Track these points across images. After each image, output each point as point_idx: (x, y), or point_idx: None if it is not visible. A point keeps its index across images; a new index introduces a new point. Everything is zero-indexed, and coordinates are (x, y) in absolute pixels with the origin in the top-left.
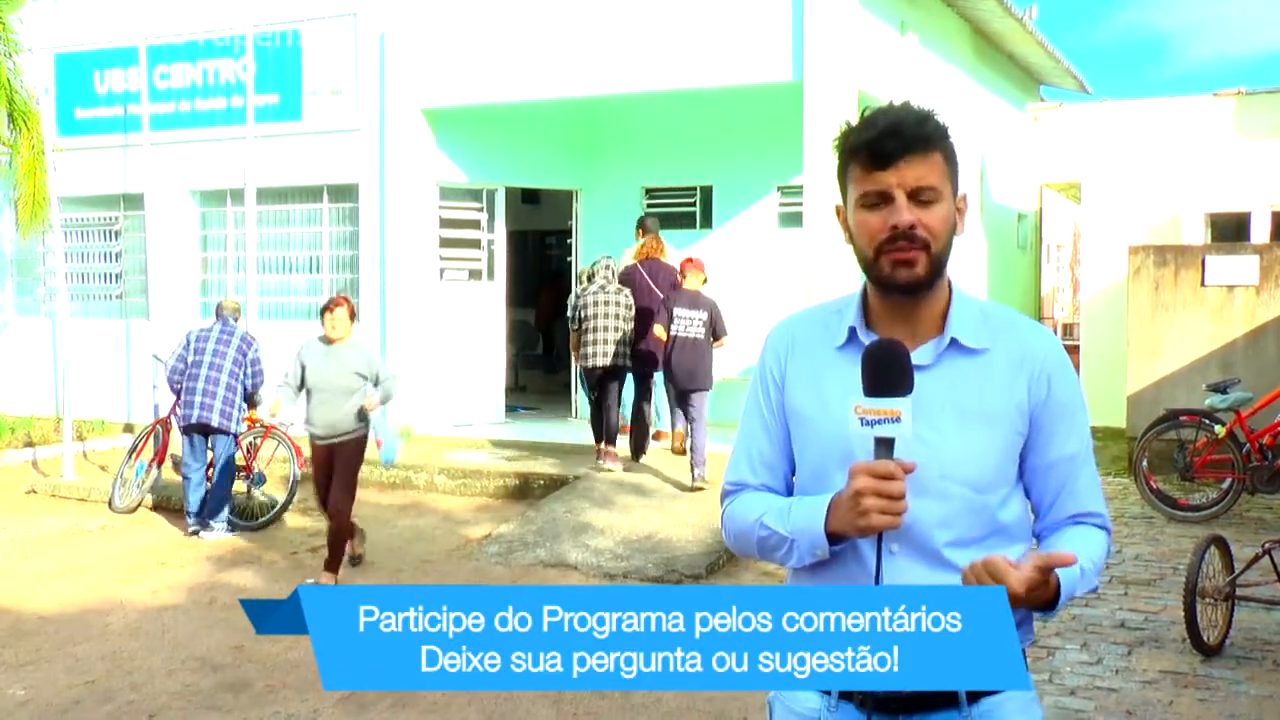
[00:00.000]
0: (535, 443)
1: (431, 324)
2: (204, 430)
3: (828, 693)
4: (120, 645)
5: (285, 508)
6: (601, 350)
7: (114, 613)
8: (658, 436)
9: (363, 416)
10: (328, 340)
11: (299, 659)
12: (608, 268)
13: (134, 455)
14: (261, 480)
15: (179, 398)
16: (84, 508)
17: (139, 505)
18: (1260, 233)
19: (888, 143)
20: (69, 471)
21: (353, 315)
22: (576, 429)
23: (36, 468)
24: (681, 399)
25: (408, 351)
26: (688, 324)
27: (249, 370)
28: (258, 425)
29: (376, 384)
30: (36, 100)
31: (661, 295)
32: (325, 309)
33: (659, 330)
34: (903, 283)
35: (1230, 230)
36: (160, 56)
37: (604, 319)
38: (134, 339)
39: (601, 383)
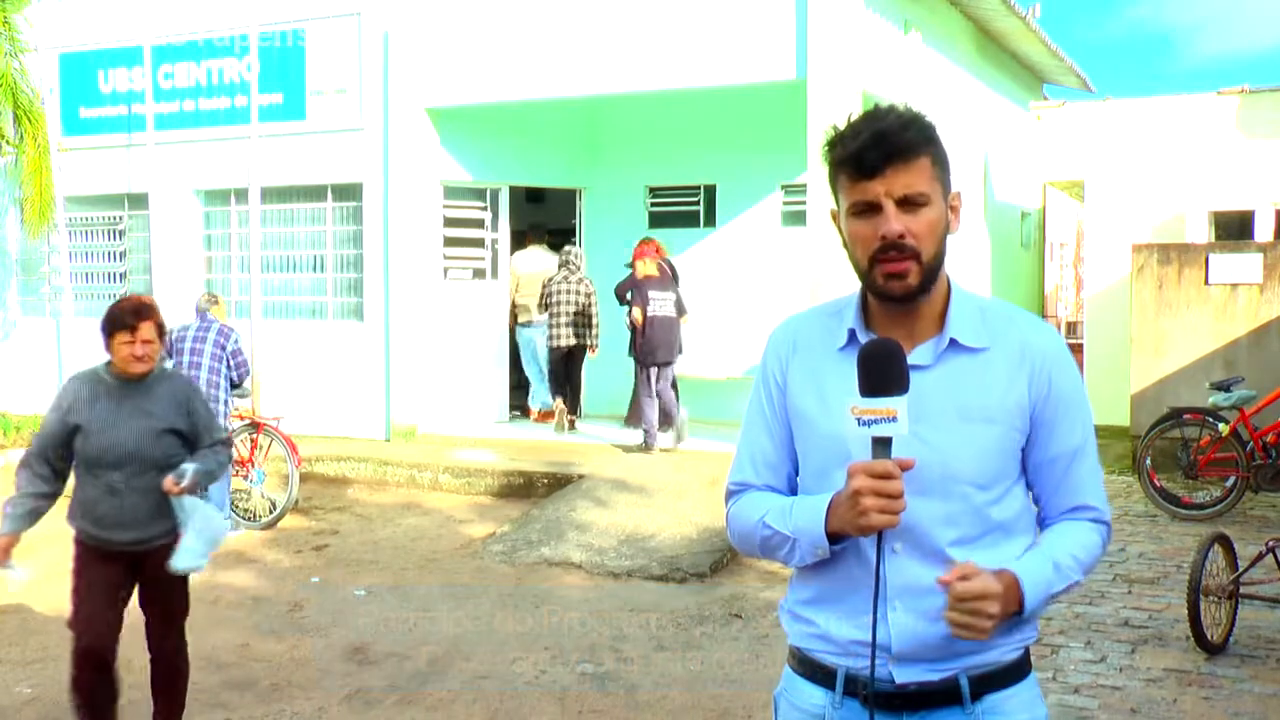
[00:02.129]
0: (539, 441)
1: (435, 323)
2: None
3: (832, 689)
4: (125, 644)
5: (289, 507)
6: (565, 331)
7: None
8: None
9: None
10: (121, 376)
11: (304, 657)
12: (576, 257)
13: None
14: (261, 478)
15: None
16: None
17: None
18: (1264, 231)
19: (871, 153)
20: None
21: (162, 332)
22: (579, 428)
23: None
24: (657, 371)
25: (412, 351)
26: (661, 304)
27: (230, 363)
28: (246, 421)
29: (195, 449)
30: (41, 100)
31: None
32: (117, 323)
33: (636, 314)
34: (897, 294)
35: (1234, 228)
36: (164, 56)
37: (567, 305)
38: None
39: (564, 358)
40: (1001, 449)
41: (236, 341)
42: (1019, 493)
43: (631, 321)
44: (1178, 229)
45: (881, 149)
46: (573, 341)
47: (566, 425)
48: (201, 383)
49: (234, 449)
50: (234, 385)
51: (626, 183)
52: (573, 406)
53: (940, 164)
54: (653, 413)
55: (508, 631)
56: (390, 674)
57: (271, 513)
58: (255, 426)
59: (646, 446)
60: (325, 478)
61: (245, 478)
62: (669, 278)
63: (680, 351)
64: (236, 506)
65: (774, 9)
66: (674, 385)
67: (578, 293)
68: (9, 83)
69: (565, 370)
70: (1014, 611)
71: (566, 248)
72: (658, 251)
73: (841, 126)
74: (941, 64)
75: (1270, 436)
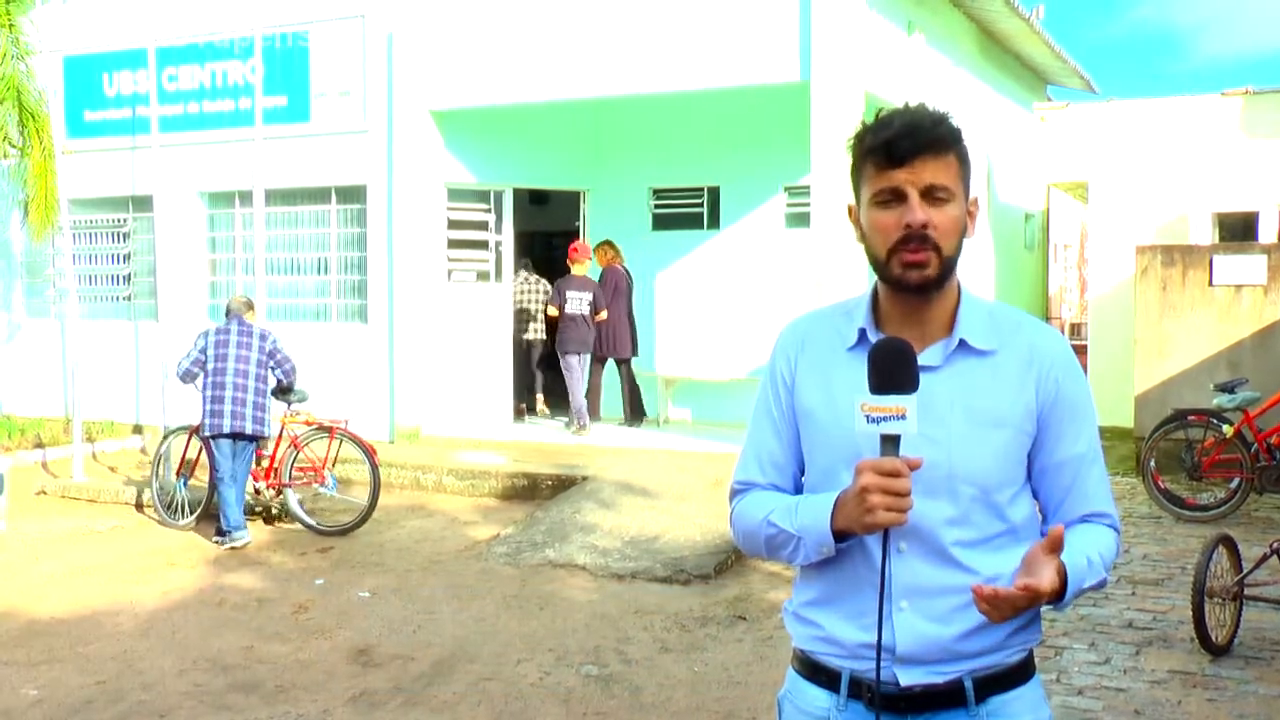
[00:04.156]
0: (543, 443)
1: (439, 325)
2: (238, 438)
3: (836, 691)
4: (131, 645)
5: (370, 511)
6: (532, 328)
7: (124, 613)
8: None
9: None
10: None
11: (309, 659)
12: (527, 265)
13: (177, 471)
14: (335, 484)
15: (205, 405)
16: (94, 509)
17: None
18: (1268, 232)
19: (903, 142)
20: (79, 473)
21: None
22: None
23: (46, 469)
24: (576, 360)
25: (416, 353)
26: (578, 302)
27: (275, 362)
28: (313, 426)
29: None
30: (46, 103)
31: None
32: None
33: (552, 310)
34: (914, 284)
35: (1238, 230)
36: (169, 59)
37: (534, 306)
38: (143, 341)
39: (529, 352)
40: (1009, 452)
41: (275, 342)
42: (1026, 496)
43: (547, 316)
44: (1181, 230)
45: (914, 139)
46: (535, 337)
47: (530, 412)
48: (249, 390)
49: (303, 454)
50: (284, 389)
51: (630, 184)
52: (532, 397)
53: (965, 165)
54: (580, 398)
55: (512, 633)
56: (395, 676)
57: (354, 517)
58: (328, 431)
59: (582, 427)
60: None
61: (320, 484)
62: (589, 280)
63: (594, 348)
64: (313, 511)
65: (777, 11)
66: (631, 381)
67: (537, 293)
68: (14, 85)
69: (529, 361)
70: (1053, 598)
71: (521, 260)
72: (615, 254)
73: (871, 120)
74: (945, 65)
75: (1275, 438)
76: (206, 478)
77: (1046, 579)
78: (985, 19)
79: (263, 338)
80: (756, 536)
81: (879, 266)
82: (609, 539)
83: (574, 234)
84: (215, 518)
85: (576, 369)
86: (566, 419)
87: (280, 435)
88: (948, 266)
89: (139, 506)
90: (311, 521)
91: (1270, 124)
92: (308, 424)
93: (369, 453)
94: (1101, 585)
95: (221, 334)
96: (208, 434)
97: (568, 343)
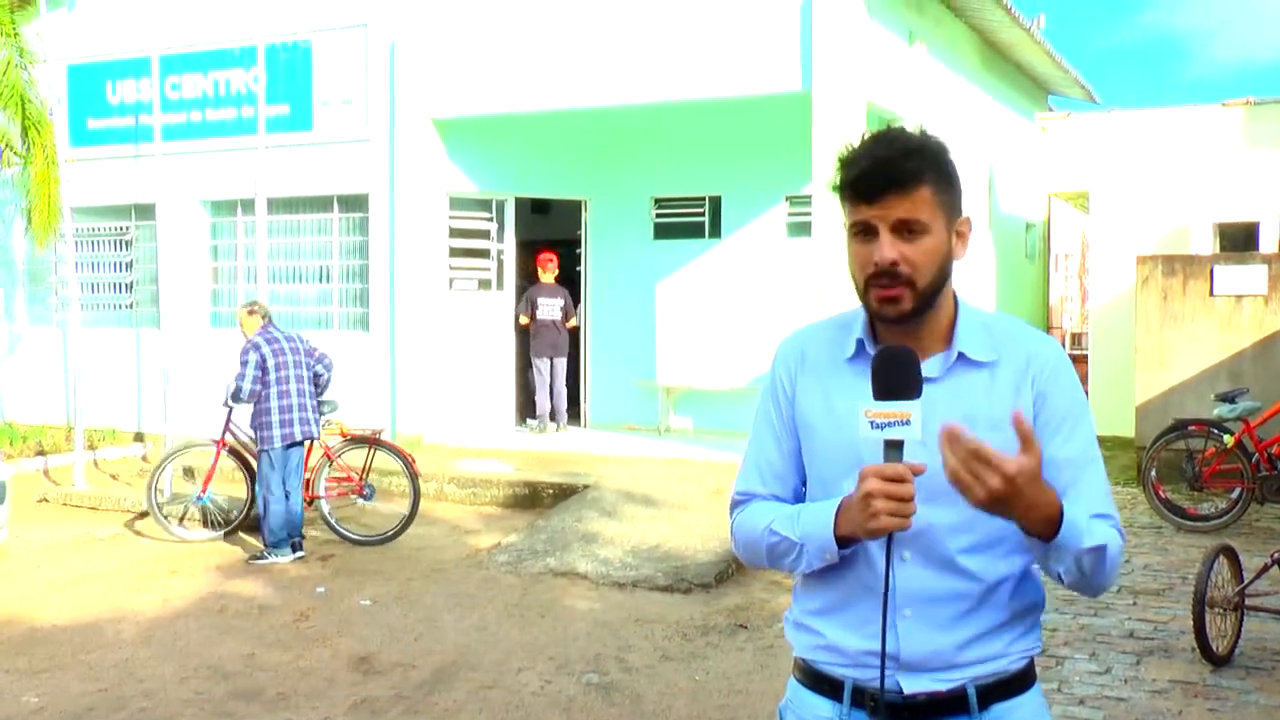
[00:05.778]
0: (545, 452)
1: (441, 334)
2: (297, 443)
3: (839, 700)
4: (132, 653)
5: (411, 520)
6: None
7: (126, 621)
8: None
9: None
10: None
11: (310, 667)
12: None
13: (204, 486)
14: (372, 493)
15: (275, 415)
16: (95, 516)
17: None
18: (1269, 242)
19: (868, 181)
20: (80, 480)
21: None
22: (585, 438)
23: (48, 476)
24: (549, 365)
25: (417, 361)
26: (549, 309)
27: (315, 359)
28: (347, 438)
29: None
30: (49, 111)
31: (562, 301)
32: None
33: (523, 319)
34: (890, 317)
35: (1239, 240)
36: (172, 67)
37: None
38: (145, 348)
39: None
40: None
41: (307, 341)
42: None
43: (520, 324)
44: (1182, 240)
45: (880, 177)
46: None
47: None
48: (307, 395)
49: (335, 464)
50: (319, 389)
51: (632, 194)
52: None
53: (945, 190)
54: (545, 401)
55: (513, 641)
56: (396, 684)
57: (394, 525)
58: (367, 442)
59: (541, 428)
60: None
61: (359, 495)
62: (558, 288)
63: (565, 349)
64: (346, 522)
65: (779, 20)
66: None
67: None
68: (18, 94)
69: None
70: (1042, 530)
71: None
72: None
73: (855, 144)
74: (946, 75)
75: (1275, 448)
76: (242, 493)
77: (1013, 462)
78: (986, 29)
79: (300, 339)
80: (758, 546)
81: (860, 296)
82: (610, 547)
83: (576, 243)
84: (252, 531)
85: (545, 374)
86: (537, 424)
87: (312, 446)
88: (924, 298)
89: (145, 516)
90: (347, 532)
91: (1271, 135)
92: (343, 435)
93: (408, 461)
94: (1099, 557)
95: (274, 344)
96: (279, 445)
97: (540, 348)
